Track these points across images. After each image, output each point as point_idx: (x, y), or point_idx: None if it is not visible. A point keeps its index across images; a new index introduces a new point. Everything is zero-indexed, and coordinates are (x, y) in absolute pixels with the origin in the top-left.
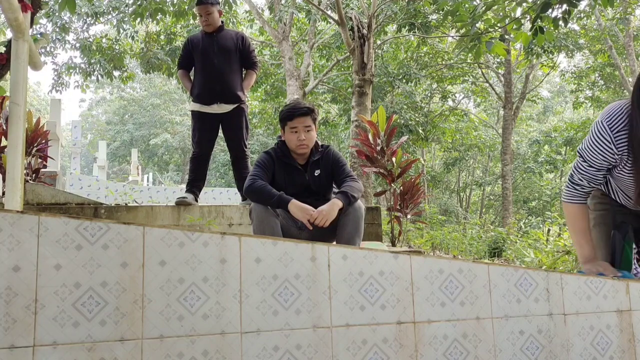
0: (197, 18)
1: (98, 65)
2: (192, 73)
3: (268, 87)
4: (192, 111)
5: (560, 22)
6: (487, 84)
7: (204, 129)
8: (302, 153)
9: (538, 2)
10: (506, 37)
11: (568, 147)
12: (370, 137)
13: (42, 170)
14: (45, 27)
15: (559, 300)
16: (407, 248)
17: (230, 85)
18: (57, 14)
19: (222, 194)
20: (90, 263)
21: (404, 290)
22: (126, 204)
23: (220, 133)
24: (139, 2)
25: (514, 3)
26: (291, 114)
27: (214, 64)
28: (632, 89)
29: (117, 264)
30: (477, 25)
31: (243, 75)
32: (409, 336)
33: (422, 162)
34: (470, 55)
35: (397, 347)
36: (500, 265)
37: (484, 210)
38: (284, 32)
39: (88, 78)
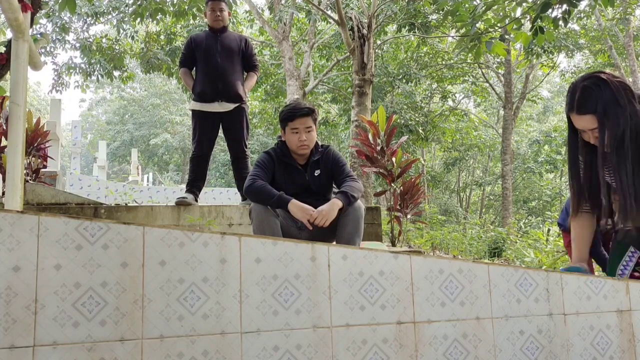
0: (207, 13)
1: (98, 65)
2: (193, 73)
3: (268, 87)
4: (193, 110)
5: (560, 22)
6: (487, 84)
7: (204, 129)
8: (303, 154)
9: (538, 2)
10: (506, 37)
11: None
12: (370, 137)
13: (42, 170)
14: (45, 27)
15: (559, 300)
16: (407, 248)
17: (233, 83)
18: (57, 14)
19: (222, 194)
20: (90, 263)
21: (404, 290)
22: (126, 204)
23: (220, 133)
24: (139, 2)
25: (514, 3)
26: (292, 114)
27: (217, 63)
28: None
29: (117, 264)
30: (477, 25)
31: (244, 77)
32: (409, 336)
33: (422, 162)
34: (470, 55)
35: (397, 347)
36: (500, 265)
37: (484, 210)
38: (284, 32)
39: (88, 78)
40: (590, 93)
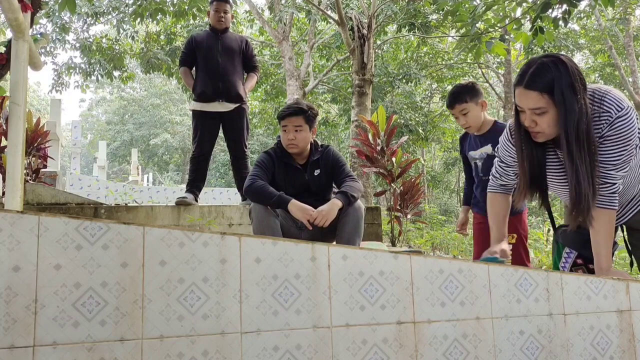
0: (211, 13)
1: (98, 65)
2: (192, 72)
3: (268, 87)
4: (193, 110)
5: (560, 22)
6: (487, 84)
7: (204, 129)
8: (292, 152)
9: (538, 2)
10: (506, 37)
11: None
12: (370, 137)
13: (42, 170)
14: (45, 27)
15: (559, 300)
16: (407, 248)
17: (233, 83)
18: (57, 14)
19: (222, 194)
20: (90, 263)
21: (404, 290)
22: (126, 204)
23: (220, 133)
24: (139, 2)
25: (514, 3)
26: (282, 113)
27: (218, 63)
28: (631, 89)
29: (117, 264)
30: (477, 25)
31: (244, 78)
32: (409, 336)
33: (422, 162)
34: (470, 55)
35: (397, 347)
36: (500, 265)
37: None
38: (284, 32)
39: (88, 78)
40: (546, 70)
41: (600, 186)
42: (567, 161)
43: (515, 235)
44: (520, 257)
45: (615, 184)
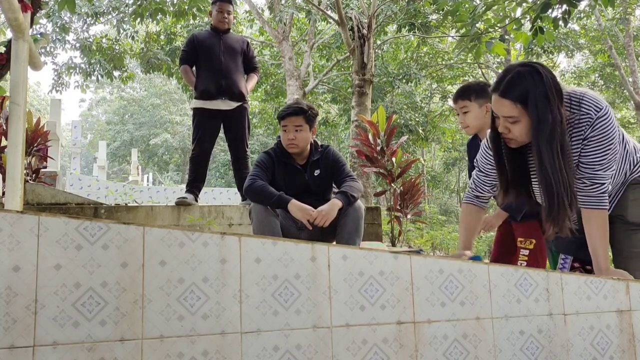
0: (213, 13)
1: (98, 65)
2: (193, 71)
3: (268, 87)
4: (195, 109)
5: (560, 22)
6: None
7: (205, 127)
8: (292, 152)
9: (538, 2)
10: (506, 37)
11: None
12: (370, 137)
13: (42, 170)
14: (45, 27)
15: (559, 300)
16: (407, 248)
17: (236, 82)
18: (57, 14)
19: (222, 194)
20: (90, 263)
21: (404, 290)
22: (126, 204)
23: (221, 133)
24: (139, 2)
25: (514, 3)
26: (282, 113)
27: (221, 61)
28: (631, 89)
29: (117, 264)
30: (477, 25)
31: (245, 78)
32: (409, 336)
33: (422, 162)
34: (470, 55)
35: (397, 347)
36: (500, 266)
37: None
38: (284, 32)
39: (88, 78)
40: (522, 80)
41: (589, 187)
42: (539, 171)
43: (533, 241)
44: (536, 263)
45: (604, 183)
